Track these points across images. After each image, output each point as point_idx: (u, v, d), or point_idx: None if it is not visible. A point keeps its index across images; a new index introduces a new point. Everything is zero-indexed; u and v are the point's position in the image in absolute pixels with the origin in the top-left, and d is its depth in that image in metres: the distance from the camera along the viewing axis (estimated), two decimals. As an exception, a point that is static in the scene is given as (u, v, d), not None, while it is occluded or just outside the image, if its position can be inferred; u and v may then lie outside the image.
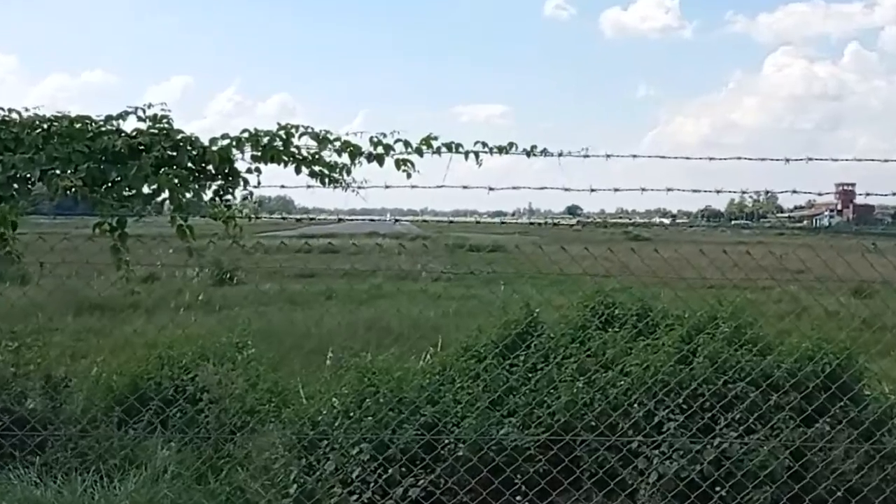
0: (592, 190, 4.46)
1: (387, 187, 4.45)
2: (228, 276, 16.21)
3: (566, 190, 4.41)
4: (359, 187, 4.39)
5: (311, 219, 4.46)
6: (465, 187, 4.34)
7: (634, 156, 4.62)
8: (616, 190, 4.56)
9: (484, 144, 4.35)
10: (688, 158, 4.67)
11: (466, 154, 4.34)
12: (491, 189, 4.35)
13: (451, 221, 4.88)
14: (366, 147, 4.30)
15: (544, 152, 4.38)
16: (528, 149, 4.37)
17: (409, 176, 4.32)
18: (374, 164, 4.34)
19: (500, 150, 4.36)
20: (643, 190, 4.52)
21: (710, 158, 4.57)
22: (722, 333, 5.52)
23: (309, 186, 4.27)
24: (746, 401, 5.06)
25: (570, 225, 5.32)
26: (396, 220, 4.92)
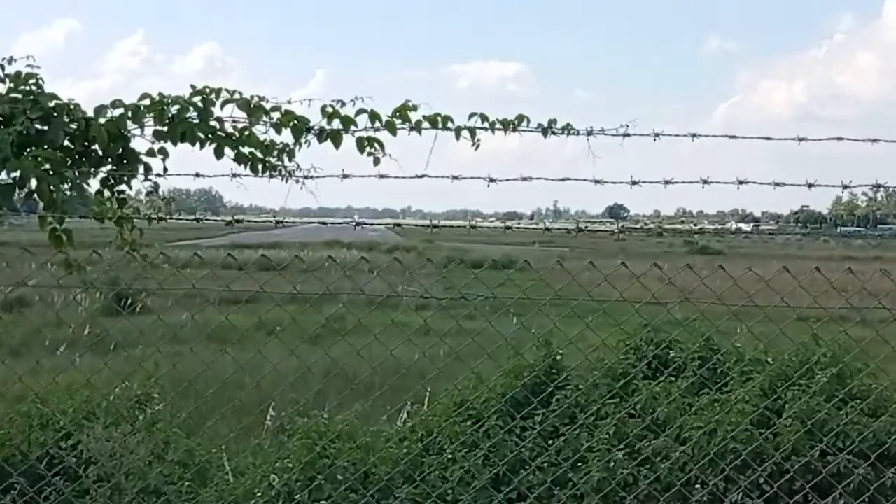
0: (634, 182, 4.50)
1: (344, 177, 4.45)
2: (127, 301, 16.07)
3: (596, 182, 4.44)
4: (305, 177, 4.43)
5: (239, 220, 4.45)
6: (454, 178, 4.36)
7: (694, 135, 4.66)
8: (667, 183, 4.56)
9: (483, 118, 4.34)
10: (768, 139, 4.73)
11: (458, 132, 4.34)
12: (492, 180, 4.34)
13: (435, 226, 4.81)
14: (317, 120, 4.31)
15: (567, 129, 4.43)
16: (546, 124, 4.40)
17: (377, 161, 4.30)
18: (330, 144, 4.35)
19: (506, 126, 4.35)
20: (705, 182, 4.52)
21: (801, 139, 4.62)
22: (818, 385, 5.53)
23: (235, 176, 4.22)
24: (851, 478, 5.05)
25: (611, 232, 5.25)
26: (359, 224, 4.94)
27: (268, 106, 4.33)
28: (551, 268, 5.35)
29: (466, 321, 7.63)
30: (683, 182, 4.62)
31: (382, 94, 4.57)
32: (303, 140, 4.38)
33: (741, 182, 4.59)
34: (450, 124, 4.37)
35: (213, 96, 4.25)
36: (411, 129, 4.33)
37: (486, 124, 4.35)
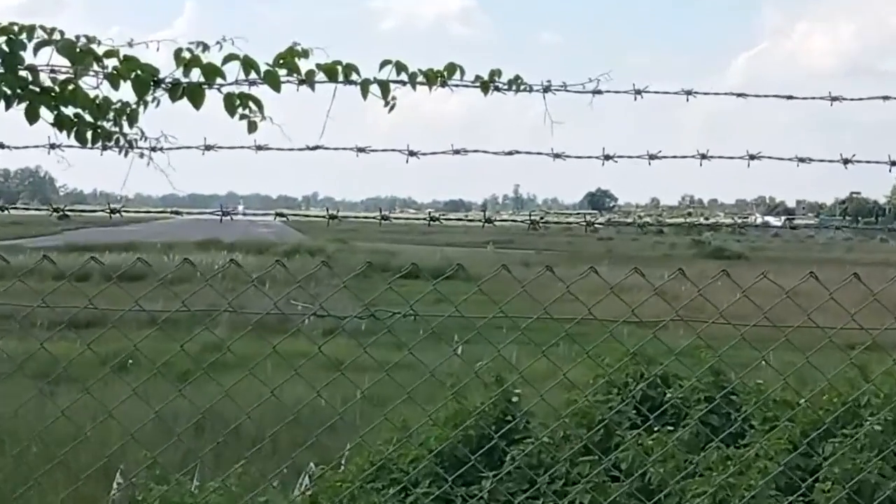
0: (607, 157, 4.54)
1: (206, 149, 4.36)
2: None
3: (556, 157, 4.45)
4: (151, 149, 4.36)
5: (59, 210, 4.21)
6: (359, 150, 4.39)
7: (689, 92, 4.61)
8: (652, 158, 4.55)
9: (400, 68, 4.26)
10: (789, 98, 4.72)
11: (364, 86, 4.23)
12: (412, 154, 4.38)
13: (334, 217, 4.67)
14: (168, 69, 4.15)
15: (516, 85, 4.39)
16: (486, 78, 4.36)
17: (252, 127, 4.22)
18: (188, 103, 4.18)
19: (431, 79, 4.29)
20: (703, 157, 4.53)
21: (834, 99, 4.60)
22: (868, 437, 5.45)
23: (53, 147, 4.13)
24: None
25: (588, 225, 4.92)
26: (226, 214, 4.74)
27: (100, 51, 4.04)
28: (493, 275, 5.16)
29: (391, 351, 7.46)
30: (674, 157, 4.63)
31: (277, 37, 4.41)
32: (149, 97, 4.16)
33: (752, 157, 4.56)
34: (354, 76, 4.22)
35: (23, 36, 3.94)
36: (301, 82, 4.18)
37: (404, 76, 4.25)
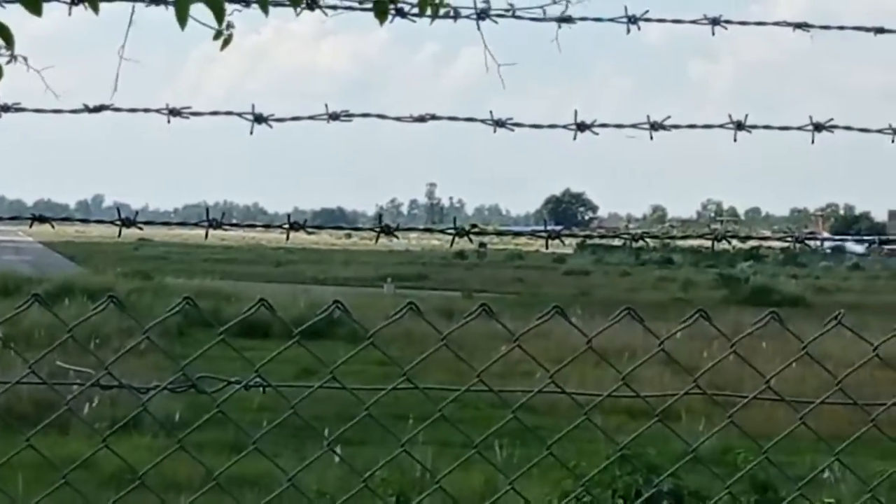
0: (582, 127, 3.32)
1: None
2: None
3: (499, 127, 3.29)
4: None
5: None
6: (172, 113, 3.26)
7: (716, 21, 3.41)
8: (656, 128, 3.32)
9: None
10: (879, 32, 3.58)
11: (183, 5, 2.76)
12: (259, 119, 3.19)
13: (129, 224, 3.12)
14: None
15: (434, 4, 3.20)
16: None
17: None
18: None
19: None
20: (738, 126, 3.34)
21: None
22: None
23: None
24: None
25: (550, 236, 2.99)
26: None
27: None
28: (392, 323, 3.30)
29: (222, 453, 5.78)
30: (691, 127, 3.43)
31: None
32: None
33: (818, 127, 3.36)
34: None
35: None
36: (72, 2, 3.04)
37: None
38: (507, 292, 42.81)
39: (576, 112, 3.27)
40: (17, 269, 40.55)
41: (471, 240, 3.36)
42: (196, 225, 3.10)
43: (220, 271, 48.24)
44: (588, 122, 3.29)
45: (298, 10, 3.19)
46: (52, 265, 50.25)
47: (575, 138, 3.31)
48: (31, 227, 3.21)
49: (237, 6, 3.14)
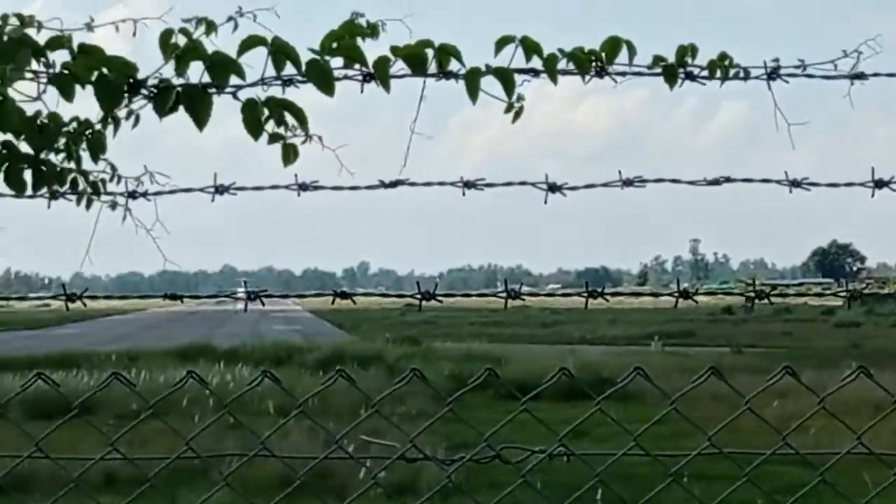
0: (878, 184, 3.12)
1: (219, 191, 3.04)
2: None
3: (795, 187, 3.15)
4: (130, 195, 3.24)
5: None
6: (467, 186, 3.07)
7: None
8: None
9: (531, 49, 2.95)
10: None
11: (473, 81, 2.87)
12: (552, 189, 3.09)
13: (343, 296, 3.16)
14: (152, 65, 2.73)
15: (724, 67, 3.10)
16: (673, 59, 3.05)
17: (289, 154, 2.96)
18: (186, 118, 2.78)
19: (584, 62, 3.00)
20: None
21: None
22: None
23: None
24: None
25: (837, 294, 2.97)
26: (251, 299, 3.20)
27: (40, 39, 2.71)
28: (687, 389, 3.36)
29: None
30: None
31: (321, 8, 2.89)
32: (122, 111, 2.80)
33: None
34: (455, 65, 2.87)
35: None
36: (367, 77, 2.84)
37: (536, 62, 2.97)
38: (776, 346, 40.89)
39: (873, 169, 3.08)
40: (289, 338, 41.00)
41: (758, 299, 3.20)
42: (484, 295, 3.35)
43: (486, 334, 46.97)
44: (885, 178, 3.09)
45: (588, 77, 3.06)
46: (321, 333, 50.71)
47: (873, 195, 3.11)
48: (332, 303, 3.14)
49: (526, 77, 2.99)
